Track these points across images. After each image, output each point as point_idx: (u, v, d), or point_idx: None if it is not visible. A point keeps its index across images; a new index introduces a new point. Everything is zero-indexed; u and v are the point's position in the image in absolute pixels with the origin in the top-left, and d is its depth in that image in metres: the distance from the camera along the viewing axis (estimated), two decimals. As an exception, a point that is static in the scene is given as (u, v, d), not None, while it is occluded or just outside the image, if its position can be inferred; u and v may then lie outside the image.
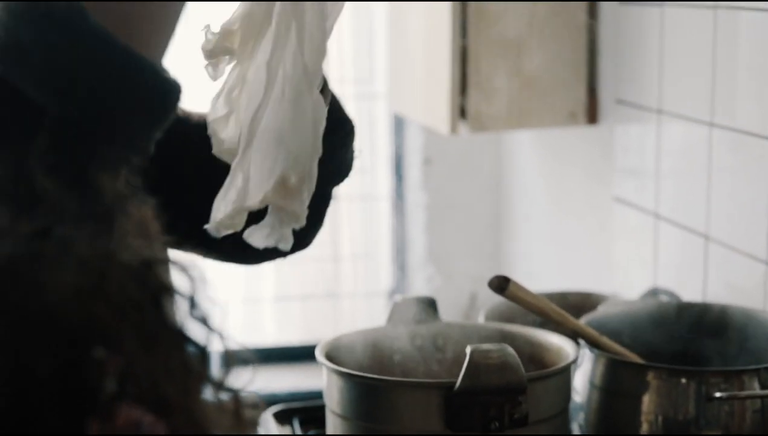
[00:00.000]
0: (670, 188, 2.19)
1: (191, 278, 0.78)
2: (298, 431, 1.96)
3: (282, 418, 1.99)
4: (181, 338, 0.76)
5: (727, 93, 1.97)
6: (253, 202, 1.14)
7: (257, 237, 1.16)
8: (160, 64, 1.03)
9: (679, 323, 1.84)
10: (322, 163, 1.19)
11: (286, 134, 1.14)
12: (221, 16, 1.18)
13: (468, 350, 1.52)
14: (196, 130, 1.31)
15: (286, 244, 1.16)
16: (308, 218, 1.18)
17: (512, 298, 1.63)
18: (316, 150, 1.16)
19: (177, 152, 1.23)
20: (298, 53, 1.14)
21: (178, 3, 1.03)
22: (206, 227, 1.15)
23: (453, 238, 3.13)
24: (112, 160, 0.86)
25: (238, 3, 1.19)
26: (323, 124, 1.16)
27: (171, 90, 1.03)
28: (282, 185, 1.13)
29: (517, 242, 3.01)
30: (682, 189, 2.14)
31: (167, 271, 0.76)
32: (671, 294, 2.02)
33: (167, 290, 0.75)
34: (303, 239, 1.21)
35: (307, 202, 1.15)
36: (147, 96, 1.01)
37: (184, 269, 0.78)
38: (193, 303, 0.77)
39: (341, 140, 1.39)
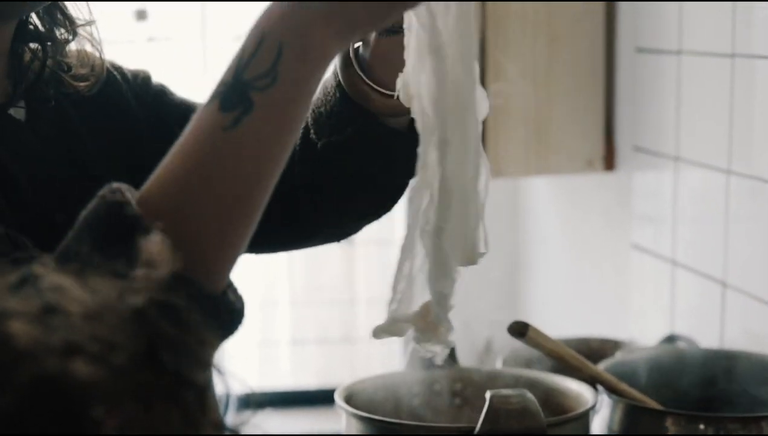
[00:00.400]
0: (687, 235, 2.20)
1: (186, 319, 0.77)
2: (316, 475, 1.97)
3: (299, 462, 1.99)
4: (179, 384, 0.74)
5: (744, 140, 1.98)
6: (405, 319, 1.19)
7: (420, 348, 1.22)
8: (231, 288, 1.07)
9: (697, 370, 1.84)
10: (411, 156, 1.20)
11: (432, 270, 1.18)
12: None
13: (488, 395, 1.53)
14: None
15: (438, 359, 1.23)
16: (380, 203, 1.29)
17: (531, 343, 1.64)
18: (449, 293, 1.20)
19: None
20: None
21: (250, 233, 1.05)
22: (372, 331, 1.20)
23: (469, 283, 3.11)
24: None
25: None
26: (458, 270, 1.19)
27: (239, 315, 1.08)
28: (425, 313, 1.18)
29: (534, 287, 3.01)
30: (700, 236, 2.15)
31: (163, 314, 0.76)
32: (689, 340, 2.02)
33: (163, 337, 0.74)
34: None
35: (450, 331, 1.20)
36: (218, 327, 1.05)
37: (178, 311, 0.77)
38: (187, 346, 0.77)
39: None
